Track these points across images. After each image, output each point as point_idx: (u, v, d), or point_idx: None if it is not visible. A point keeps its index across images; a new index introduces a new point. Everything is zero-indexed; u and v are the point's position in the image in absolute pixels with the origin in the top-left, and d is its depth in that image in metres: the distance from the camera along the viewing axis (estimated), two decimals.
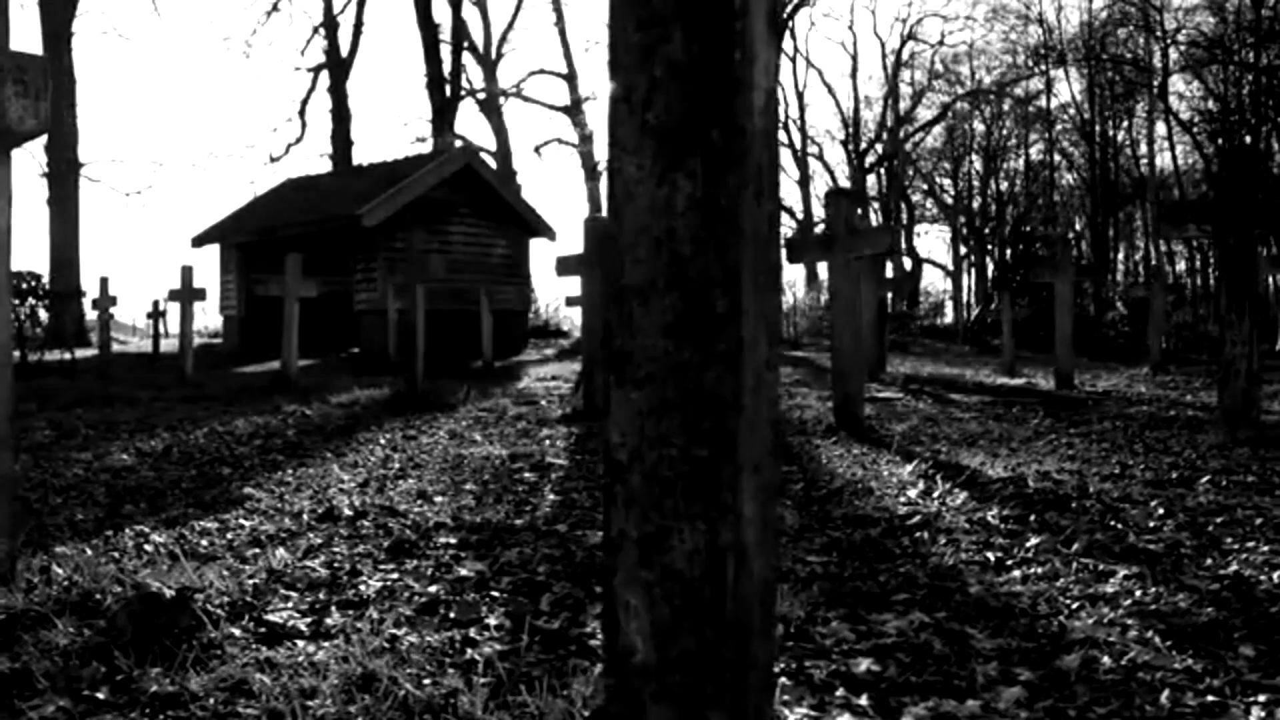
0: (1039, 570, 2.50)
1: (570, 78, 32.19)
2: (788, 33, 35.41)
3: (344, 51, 26.36)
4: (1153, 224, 27.35)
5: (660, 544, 1.05)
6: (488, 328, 13.29)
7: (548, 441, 5.45)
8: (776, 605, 1.12)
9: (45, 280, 12.80)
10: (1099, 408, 6.85)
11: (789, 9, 34.69)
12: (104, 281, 11.89)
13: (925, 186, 40.67)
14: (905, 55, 37.42)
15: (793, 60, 44.91)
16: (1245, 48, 27.59)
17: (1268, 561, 2.54)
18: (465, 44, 26.31)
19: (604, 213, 30.20)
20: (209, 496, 3.91)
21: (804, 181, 37.50)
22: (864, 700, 1.66)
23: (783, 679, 1.75)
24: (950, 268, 40.18)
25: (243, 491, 4.00)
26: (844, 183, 37.75)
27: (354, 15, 26.99)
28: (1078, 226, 38.06)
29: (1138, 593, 2.28)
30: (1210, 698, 1.66)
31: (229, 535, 3.15)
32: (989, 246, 38.14)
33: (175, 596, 1.96)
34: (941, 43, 37.56)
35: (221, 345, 19.62)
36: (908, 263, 38.59)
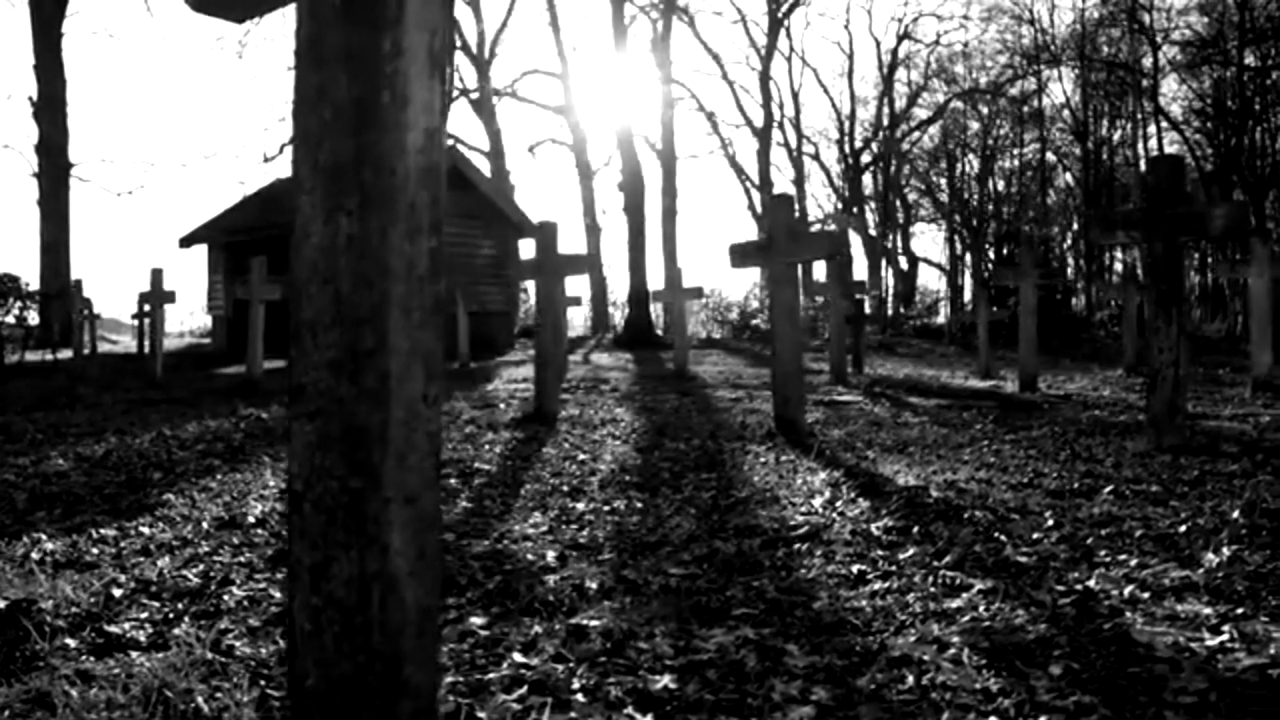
0: (895, 584, 2.52)
1: (564, 77, 32.19)
2: (784, 32, 35.35)
3: None
4: (1084, 230, 27.32)
5: (326, 572, 1.07)
6: (464, 328, 13.35)
7: (487, 447, 5.48)
8: (440, 635, 1.14)
9: (25, 281, 12.88)
10: (1052, 412, 6.85)
11: (785, 8, 34.64)
12: (78, 283, 11.95)
13: (922, 186, 40.63)
14: (901, 55, 37.40)
15: (788, 60, 44.80)
16: (1233, 47, 27.49)
17: (1128, 575, 2.55)
18: (458, 43, 26.32)
19: (596, 214, 29.63)
20: (125, 503, 3.94)
21: (799, 181, 37.49)
22: (648, 718, 1.68)
23: (578, 695, 1.78)
24: (945, 267, 40.16)
25: (162, 498, 4.03)
26: (839, 182, 37.75)
27: None
28: (1075, 226, 37.97)
29: (981, 608, 2.30)
30: (991, 719, 1.68)
31: (124, 543, 3.18)
32: (984, 246, 38.07)
33: (5, 609, 1.99)
34: (937, 43, 37.54)
35: (209, 345, 19.71)
36: (904, 262, 38.57)
